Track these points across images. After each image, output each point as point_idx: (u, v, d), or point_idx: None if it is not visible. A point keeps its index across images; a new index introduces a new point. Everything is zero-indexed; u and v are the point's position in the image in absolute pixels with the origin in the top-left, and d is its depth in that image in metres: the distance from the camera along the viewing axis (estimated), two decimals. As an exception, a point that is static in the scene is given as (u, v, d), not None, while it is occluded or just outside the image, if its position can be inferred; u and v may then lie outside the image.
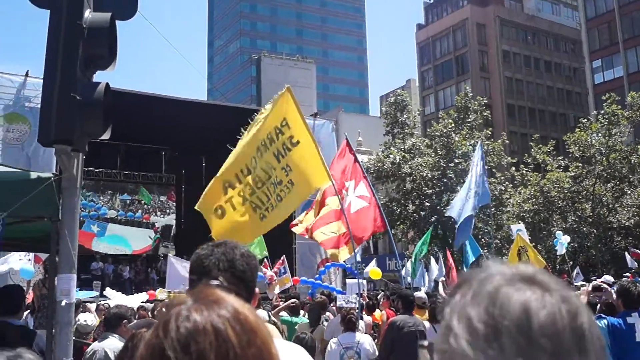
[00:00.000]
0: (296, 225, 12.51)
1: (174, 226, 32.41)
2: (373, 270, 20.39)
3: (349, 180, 11.84)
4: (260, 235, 13.47)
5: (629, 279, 17.76)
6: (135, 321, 5.86)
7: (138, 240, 30.70)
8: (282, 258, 16.88)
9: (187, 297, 1.13)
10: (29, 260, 14.62)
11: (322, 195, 11.29)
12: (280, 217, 8.45)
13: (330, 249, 11.37)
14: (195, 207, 8.00)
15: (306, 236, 12.17)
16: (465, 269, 22.04)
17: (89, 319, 7.97)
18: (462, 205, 17.39)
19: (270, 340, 1.11)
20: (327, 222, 11.20)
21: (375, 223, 11.83)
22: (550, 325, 0.86)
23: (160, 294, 14.18)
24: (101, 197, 30.23)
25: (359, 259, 17.86)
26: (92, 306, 11.83)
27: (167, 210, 32.51)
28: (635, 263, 29.01)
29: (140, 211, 31.31)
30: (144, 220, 31.33)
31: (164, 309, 1.15)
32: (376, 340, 9.73)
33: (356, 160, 12.09)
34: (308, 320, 10.38)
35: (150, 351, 1.05)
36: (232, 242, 2.24)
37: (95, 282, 21.21)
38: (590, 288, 7.90)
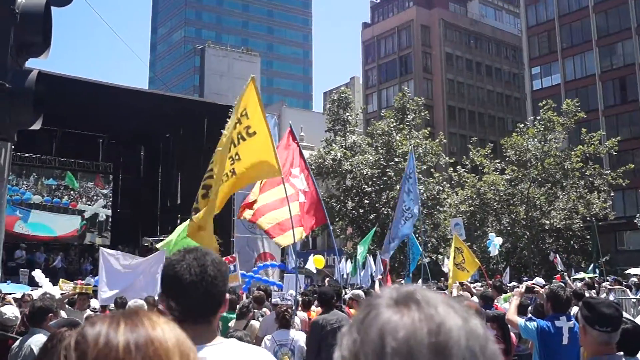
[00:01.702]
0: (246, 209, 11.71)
1: (102, 214, 31.78)
2: (316, 258, 20.42)
3: (294, 167, 11.75)
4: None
5: (557, 281, 18.36)
6: (56, 319, 5.67)
7: (63, 226, 30.03)
8: (233, 255, 16.51)
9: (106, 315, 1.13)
10: None
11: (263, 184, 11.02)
12: (215, 207, 8.34)
13: (276, 237, 11.12)
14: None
15: (254, 221, 11.49)
16: (410, 269, 22.34)
17: (10, 311, 7.68)
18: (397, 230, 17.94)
19: None
20: (273, 208, 10.91)
21: (316, 217, 11.78)
22: (404, 345, 0.88)
23: (64, 284, 13.77)
24: (25, 181, 29.25)
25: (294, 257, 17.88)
26: (14, 297, 11.48)
27: (95, 197, 31.77)
28: (561, 265, 29.98)
29: (66, 197, 30.53)
30: (70, 207, 30.58)
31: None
32: (310, 337, 9.73)
33: (300, 150, 12.01)
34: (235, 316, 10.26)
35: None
36: (204, 249, 2.28)
37: (22, 269, 20.53)
38: (523, 289, 8.09)
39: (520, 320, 6.67)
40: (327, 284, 16.16)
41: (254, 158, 8.47)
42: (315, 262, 20.46)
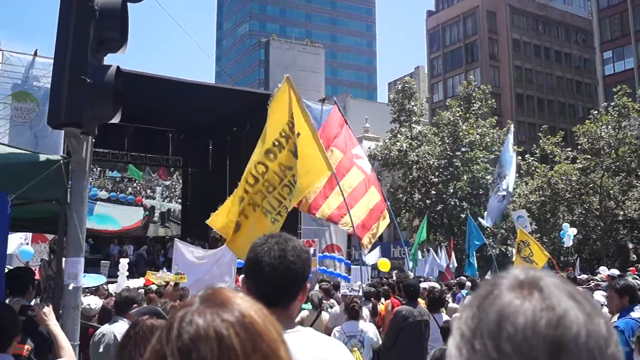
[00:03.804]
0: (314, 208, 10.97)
1: (165, 206, 32.58)
2: (382, 261, 20.29)
3: (354, 147, 11.65)
4: None
5: (632, 274, 17.75)
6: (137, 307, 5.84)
7: (127, 218, 30.87)
8: (314, 240, 16.29)
9: (195, 299, 1.11)
10: (27, 241, 14.51)
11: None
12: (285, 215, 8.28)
13: (363, 239, 10.94)
14: (207, 222, 7.90)
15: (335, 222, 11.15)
16: (469, 258, 22.10)
17: (93, 302, 7.95)
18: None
19: (278, 343, 1.09)
20: (352, 204, 10.63)
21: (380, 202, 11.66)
22: (520, 333, 0.85)
23: (150, 277, 14.08)
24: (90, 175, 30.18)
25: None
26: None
27: (156, 189, 32.56)
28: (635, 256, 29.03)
29: (130, 189, 31.38)
30: (137, 202, 31.45)
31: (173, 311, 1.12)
32: (380, 329, 9.70)
33: (347, 124, 11.89)
34: (312, 307, 10.30)
35: (154, 357, 1.04)
36: (287, 235, 2.31)
37: (103, 262, 21.27)
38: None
39: None
40: (395, 276, 16.02)
41: (305, 160, 8.30)
42: (380, 266, 20.33)
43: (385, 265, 20.11)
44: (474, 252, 21.83)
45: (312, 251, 15.82)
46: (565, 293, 0.91)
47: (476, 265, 21.97)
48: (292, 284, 2.21)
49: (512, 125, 22.48)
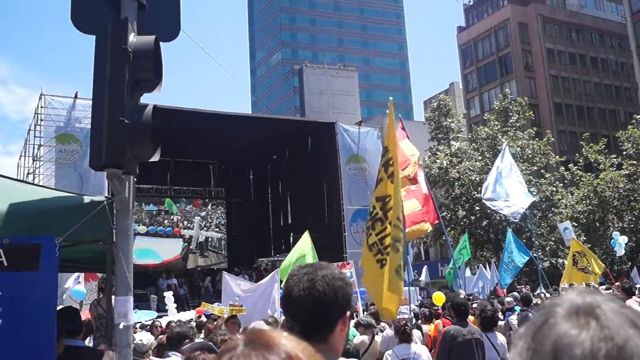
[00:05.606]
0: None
1: (202, 235, 32.75)
2: (437, 295, 19.93)
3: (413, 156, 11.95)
4: (311, 247, 13.50)
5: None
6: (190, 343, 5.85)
7: (167, 251, 31.06)
8: (349, 262, 16.29)
9: (238, 341, 1.09)
10: (79, 281, 14.74)
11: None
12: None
13: (411, 227, 11.13)
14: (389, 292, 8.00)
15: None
16: (501, 272, 21.56)
17: (145, 337, 8.03)
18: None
19: None
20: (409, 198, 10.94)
21: (433, 213, 11.78)
22: None
23: (205, 308, 14.10)
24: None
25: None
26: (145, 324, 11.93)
27: (194, 219, 32.76)
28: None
29: (167, 222, 31.61)
30: (175, 234, 31.66)
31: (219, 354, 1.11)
32: (432, 350, 9.54)
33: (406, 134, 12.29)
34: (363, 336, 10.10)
35: None
36: (321, 264, 2.22)
37: (152, 296, 21.50)
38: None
39: None
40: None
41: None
42: (435, 300, 19.95)
43: (440, 299, 19.69)
44: (522, 266, 21.26)
45: (348, 274, 15.63)
46: (625, 320, 0.86)
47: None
48: (325, 316, 2.09)
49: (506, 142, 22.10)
